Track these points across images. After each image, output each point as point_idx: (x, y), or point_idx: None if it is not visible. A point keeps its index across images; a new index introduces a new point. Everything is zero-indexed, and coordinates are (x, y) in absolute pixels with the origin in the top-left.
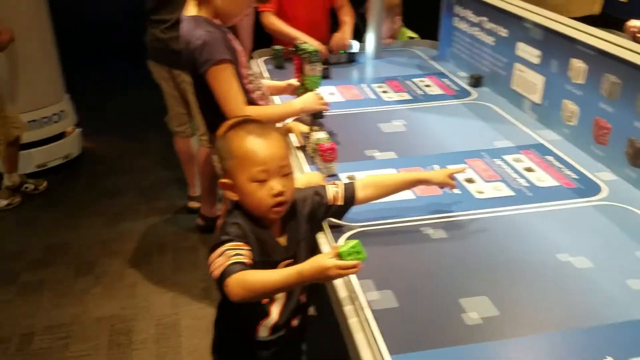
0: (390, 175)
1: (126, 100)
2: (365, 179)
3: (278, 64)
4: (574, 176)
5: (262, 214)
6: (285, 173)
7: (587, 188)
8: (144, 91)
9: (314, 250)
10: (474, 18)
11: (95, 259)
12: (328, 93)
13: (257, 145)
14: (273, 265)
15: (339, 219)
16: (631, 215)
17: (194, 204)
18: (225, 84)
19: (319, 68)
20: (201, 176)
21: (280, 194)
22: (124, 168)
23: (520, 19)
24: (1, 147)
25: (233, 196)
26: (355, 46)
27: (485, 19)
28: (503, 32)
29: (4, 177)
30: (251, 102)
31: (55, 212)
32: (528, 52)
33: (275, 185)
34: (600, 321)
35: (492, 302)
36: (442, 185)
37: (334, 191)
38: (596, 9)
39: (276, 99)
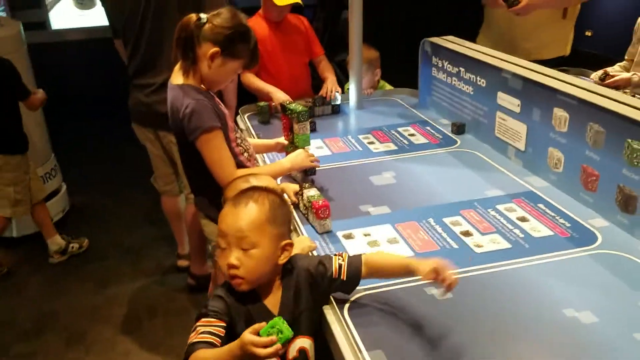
0: (392, 259)
1: (108, 159)
2: (370, 257)
3: (263, 120)
4: (568, 224)
5: (263, 274)
6: (244, 247)
7: (582, 237)
8: (126, 149)
9: (317, 322)
10: (451, 68)
11: (85, 328)
12: (315, 147)
13: (224, 213)
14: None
15: (348, 294)
16: (628, 263)
17: (183, 263)
18: (216, 151)
19: (308, 126)
20: (190, 234)
21: (231, 266)
22: (108, 227)
23: (498, 69)
24: (28, 208)
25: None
26: (338, 97)
27: (462, 69)
28: (481, 81)
29: (48, 242)
30: (239, 164)
31: (42, 277)
32: (508, 100)
33: (229, 256)
34: None
35: None
36: (427, 279)
37: (338, 264)
38: (567, 50)
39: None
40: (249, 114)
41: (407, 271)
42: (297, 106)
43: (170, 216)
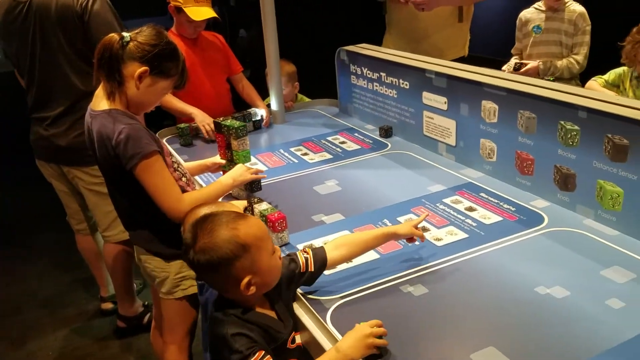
0: (359, 233)
1: (12, 201)
2: (336, 239)
3: (185, 142)
4: (513, 209)
5: (273, 284)
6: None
7: (529, 218)
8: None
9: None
10: (372, 74)
11: None
12: (249, 164)
13: (256, 221)
14: (284, 344)
15: (310, 285)
16: (579, 237)
17: (108, 305)
18: (159, 177)
19: (247, 142)
20: (112, 274)
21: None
22: (16, 278)
23: (421, 70)
24: None
25: (249, 293)
26: (258, 113)
27: (383, 74)
28: (405, 84)
29: None
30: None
31: None
32: (434, 99)
33: (277, 248)
34: (603, 347)
35: (501, 352)
36: (410, 236)
37: (304, 258)
38: (466, 51)
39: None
40: (168, 136)
41: (382, 239)
42: (234, 122)
43: (87, 256)
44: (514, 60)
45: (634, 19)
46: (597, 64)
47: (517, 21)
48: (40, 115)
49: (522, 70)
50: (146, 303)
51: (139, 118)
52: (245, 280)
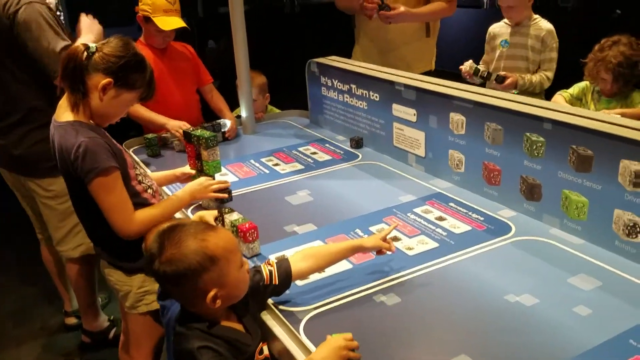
0: (326, 246)
1: None
2: (302, 251)
3: (153, 153)
4: (481, 218)
5: (239, 298)
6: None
7: (497, 228)
8: None
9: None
10: (342, 86)
11: None
12: (220, 174)
13: (226, 233)
14: (251, 357)
15: (278, 296)
16: (546, 246)
17: (72, 320)
18: (112, 195)
19: (218, 152)
20: (76, 290)
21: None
22: None
23: (390, 82)
24: None
25: (216, 306)
26: (227, 123)
27: (354, 85)
28: (375, 95)
29: None
30: (144, 203)
31: None
32: (403, 111)
33: (245, 261)
34: (573, 353)
35: (472, 359)
36: (377, 249)
37: (268, 270)
38: (432, 65)
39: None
40: (135, 147)
41: (349, 252)
42: (204, 132)
43: (50, 267)
44: (479, 67)
45: (594, 37)
46: (560, 79)
47: (487, 35)
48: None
49: (505, 83)
50: (112, 318)
51: (102, 130)
52: (212, 293)
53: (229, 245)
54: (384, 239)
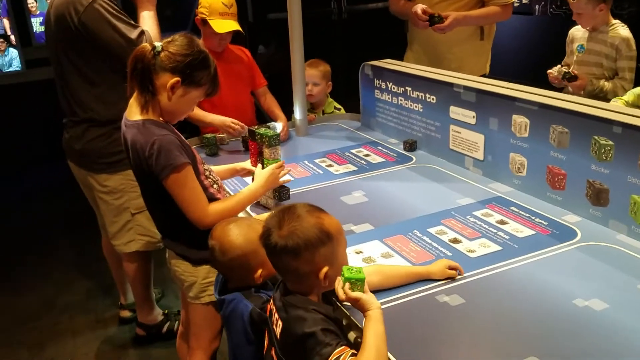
0: (393, 267)
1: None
2: (374, 266)
3: (212, 152)
4: (545, 223)
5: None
6: None
7: (562, 233)
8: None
9: None
10: (397, 89)
11: None
12: None
13: (334, 217)
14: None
15: None
16: (614, 251)
17: (126, 313)
18: (187, 190)
19: (279, 151)
20: (131, 283)
21: None
22: (34, 284)
23: (448, 84)
24: None
25: (325, 284)
26: (277, 126)
27: (409, 88)
28: (431, 98)
29: None
30: (210, 197)
31: None
32: (461, 114)
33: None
34: None
35: None
36: (443, 278)
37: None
38: (487, 69)
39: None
40: (193, 146)
41: (415, 278)
42: (267, 131)
43: (109, 260)
44: (563, 69)
45: None
46: None
47: (567, 37)
48: (64, 120)
49: (573, 83)
50: (166, 312)
51: (172, 127)
52: (325, 269)
53: (339, 227)
54: (450, 267)
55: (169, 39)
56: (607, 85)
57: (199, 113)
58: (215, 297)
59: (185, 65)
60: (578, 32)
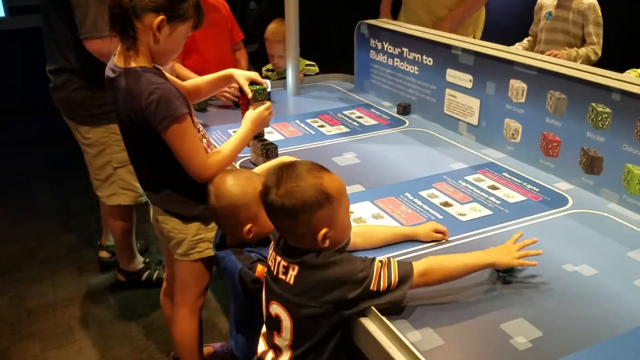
0: (378, 227)
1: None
2: (358, 227)
3: (200, 107)
4: (536, 189)
5: (343, 243)
6: None
7: (553, 199)
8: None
9: None
10: (393, 49)
11: (7, 347)
12: (266, 132)
13: (337, 176)
14: None
15: None
16: (604, 220)
17: (104, 254)
18: (188, 141)
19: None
20: (113, 232)
21: None
22: (14, 236)
23: (447, 46)
24: None
25: (324, 245)
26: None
27: (406, 49)
28: (428, 60)
29: None
30: None
31: None
32: (458, 77)
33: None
34: (634, 323)
35: (530, 323)
36: (430, 240)
37: None
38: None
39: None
40: None
41: (400, 238)
42: (254, 85)
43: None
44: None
45: None
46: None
47: (536, 5)
48: (48, 68)
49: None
50: (147, 260)
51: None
52: (323, 231)
53: (340, 188)
54: (437, 231)
55: None
56: (581, 50)
57: (188, 75)
58: (213, 251)
59: (168, 1)
60: (546, 1)
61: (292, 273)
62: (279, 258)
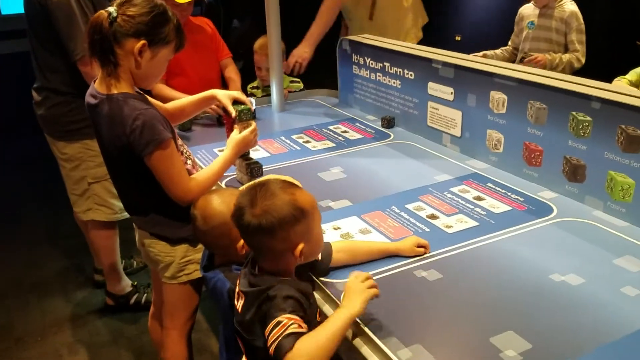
0: (362, 243)
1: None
2: (338, 242)
3: (184, 127)
4: (521, 199)
5: (316, 256)
6: None
7: (538, 208)
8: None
9: None
10: (375, 64)
11: None
12: (252, 150)
13: (307, 192)
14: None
15: (322, 276)
16: (590, 227)
17: (100, 277)
18: (171, 166)
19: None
20: (96, 251)
21: None
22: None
23: (427, 60)
24: None
25: (301, 261)
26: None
27: (387, 64)
28: (409, 74)
29: None
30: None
31: None
32: (440, 90)
33: None
34: (622, 332)
35: (519, 335)
36: (412, 255)
37: None
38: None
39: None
40: None
41: (383, 254)
42: (239, 105)
43: (81, 224)
44: (520, 55)
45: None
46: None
47: (517, 16)
48: (33, 86)
49: (527, 59)
50: (135, 283)
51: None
52: (300, 246)
53: (313, 202)
54: (419, 245)
55: (122, 0)
56: (564, 57)
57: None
58: (201, 273)
59: (148, 26)
60: (527, 10)
61: (240, 303)
62: (238, 282)
